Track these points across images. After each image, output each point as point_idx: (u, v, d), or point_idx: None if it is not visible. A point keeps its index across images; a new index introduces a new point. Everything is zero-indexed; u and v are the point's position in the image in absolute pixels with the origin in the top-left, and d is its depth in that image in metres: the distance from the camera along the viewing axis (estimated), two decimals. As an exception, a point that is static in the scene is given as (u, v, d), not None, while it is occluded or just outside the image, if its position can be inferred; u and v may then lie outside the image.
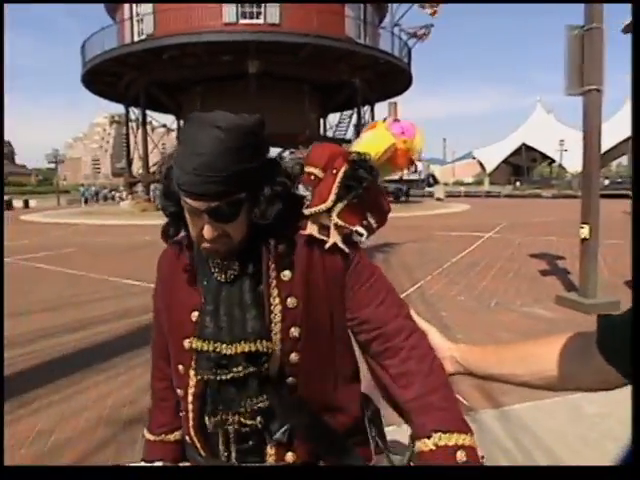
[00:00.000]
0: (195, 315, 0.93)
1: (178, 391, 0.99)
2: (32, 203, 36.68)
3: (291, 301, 0.91)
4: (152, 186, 23.20)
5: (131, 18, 21.94)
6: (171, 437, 1.09)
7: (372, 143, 1.19)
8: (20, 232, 15.00)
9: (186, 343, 0.93)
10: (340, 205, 0.93)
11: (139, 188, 30.06)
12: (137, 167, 28.48)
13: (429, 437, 0.86)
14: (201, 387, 0.94)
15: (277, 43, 19.99)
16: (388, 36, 24.87)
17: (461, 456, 0.83)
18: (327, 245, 0.93)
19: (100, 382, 3.57)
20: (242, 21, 19.97)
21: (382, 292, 0.97)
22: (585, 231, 5.44)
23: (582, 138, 5.34)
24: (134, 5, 22.24)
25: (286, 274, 0.92)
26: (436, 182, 47.90)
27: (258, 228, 0.89)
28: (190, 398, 0.96)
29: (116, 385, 3.50)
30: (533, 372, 0.83)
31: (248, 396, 0.90)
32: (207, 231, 0.86)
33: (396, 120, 1.28)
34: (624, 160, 61.32)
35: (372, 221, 0.98)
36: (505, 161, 67.79)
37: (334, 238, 0.94)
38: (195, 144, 0.79)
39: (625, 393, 0.62)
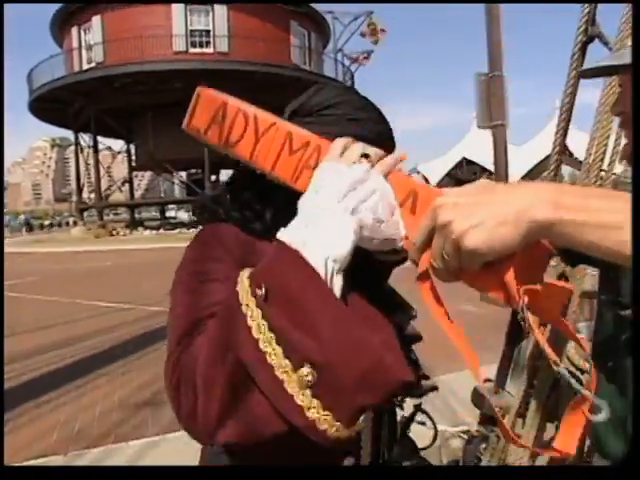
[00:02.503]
0: None
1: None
2: (-27, 233, 35.38)
3: None
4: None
5: (79, 47, 22.18)
6: None
7: None
8: (-27, 263, 14.86)
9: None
10: None
11: (91, 214, 29.85)
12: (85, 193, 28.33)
13: None
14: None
15: (226, 71, 20.83)
16: (331, 62, 26.27)
17: None
18: None
19: (102, 384, 4.22)
20: (192, 50, 20.72)
21: None
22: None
23: (493, 163, 6.50)
24: (82, 32, 22.52)
25: None
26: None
27: None
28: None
29: (117, 384, 4.18)
30: None
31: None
32: None
33: None
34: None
35: None
36: (448, 175, 71.01)
37: None
38: (359, 98, 0.77)
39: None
